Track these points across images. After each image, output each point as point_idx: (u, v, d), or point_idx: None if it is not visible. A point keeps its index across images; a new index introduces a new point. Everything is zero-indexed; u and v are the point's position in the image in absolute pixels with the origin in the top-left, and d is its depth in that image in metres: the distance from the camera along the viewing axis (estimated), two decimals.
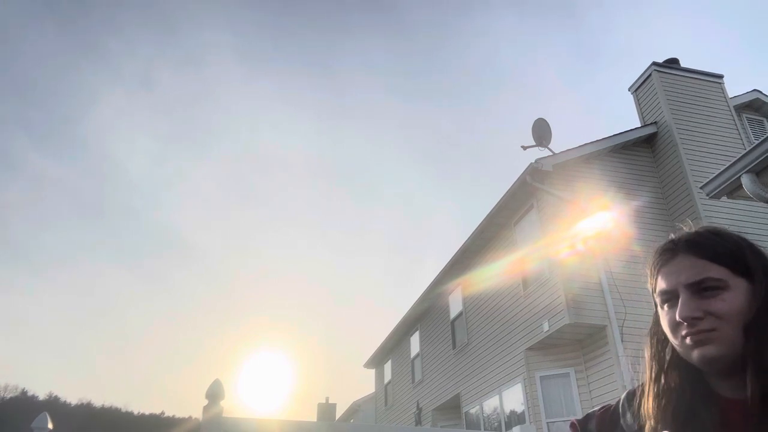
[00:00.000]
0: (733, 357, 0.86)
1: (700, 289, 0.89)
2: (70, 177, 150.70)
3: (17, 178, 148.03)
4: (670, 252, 0.96)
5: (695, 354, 0.87)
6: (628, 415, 1.01)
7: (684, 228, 1.00)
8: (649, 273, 1.00)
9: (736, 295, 0.88)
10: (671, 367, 0.95)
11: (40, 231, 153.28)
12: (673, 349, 0.95)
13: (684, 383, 0.92)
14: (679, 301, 0.90)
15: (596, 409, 1.09)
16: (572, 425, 1.09)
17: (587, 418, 1.09)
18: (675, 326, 0.90)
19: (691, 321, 0.87)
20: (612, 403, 1.08)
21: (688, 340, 0.88)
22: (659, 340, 0.99)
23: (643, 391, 0.98)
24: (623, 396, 1.06)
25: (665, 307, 0.93)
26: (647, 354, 1.01)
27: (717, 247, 0.92)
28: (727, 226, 1.01)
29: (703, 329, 0.87)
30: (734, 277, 0.89)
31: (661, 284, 0.94)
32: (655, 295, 0.97)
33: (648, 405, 0.95)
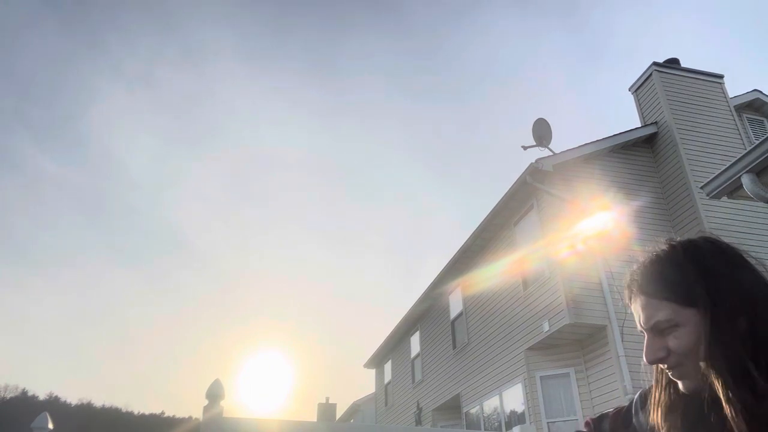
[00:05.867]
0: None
1: (658, 329, 0.89)
2: (71, 175, 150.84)
3: (18, 176, 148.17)
4: (629, 290, 0.96)
5: (680, 387, 0.90)
6: (641, 415, 1.02)
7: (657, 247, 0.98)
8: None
9: (686, 331, 0.86)
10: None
11: (40, 229, 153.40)
12: None
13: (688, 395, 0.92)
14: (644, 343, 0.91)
15: (610, 410, 1.11)
16: (587, 424, 1.10)
17: (601, 417, 1.10)
18: None
19: (657, 361, 0.89)
20: (625, 404, 1.09)
21: (669, 374, 0.91)
22: None
23: (652, 393, 0.99)
24: (636, 395, 1.07)
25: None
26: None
27: (660, 283, 0.90)
28: (712, 230, 0.99)
29: (671, 366, 0.88)
30: (682, 311, 0.86)
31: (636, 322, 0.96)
32: None
33: (656, 408, 0.95)
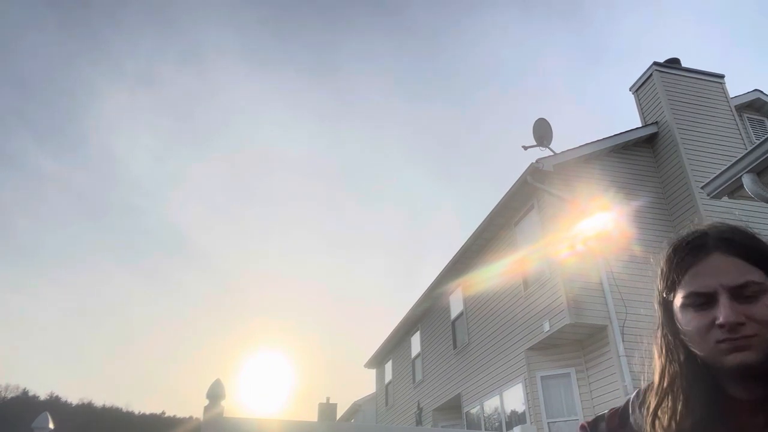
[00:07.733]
0: (766, 362, 0.84)
1: (741, 293, 0.85)
2: (72, 175, 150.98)
3: (19, 176, 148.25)
4: (701, 249, 0.90)
5: (731, 359, 0.83)
6: (637, 412, 1.01)
7: (697, 223, 0.96)
8: (665, 267, 0.95)
9: None
10: (685, 368, 0.92)
11: (42, 230, 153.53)
12: (686, 351, 0.92)
13: (699, 384, 0.90)
14: (720, 304, 0.85)
15: (605, 411, 1.10)
16: (582, 427, 1.10)
17: (597, 420, 1.09)
18: (707, 329, 0.86)
19: (735, 326, 0.83)
20: (620, 405, 1.08)
21: (724, 345, 0.84)
22: (670, 339, 0.95)
23: (651, 390, 0.97)
24: (633, 394, 1.06)
25: (693, 308, 0.88)
26: (657, 354, 0.98)
27: (754, 248, 0.88)
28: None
29: (745, 335, 0.83)
30: None
31: (694, 284, 0.89)
32: (677, 294, 0.92)
33: (658, 405, 0.93)
